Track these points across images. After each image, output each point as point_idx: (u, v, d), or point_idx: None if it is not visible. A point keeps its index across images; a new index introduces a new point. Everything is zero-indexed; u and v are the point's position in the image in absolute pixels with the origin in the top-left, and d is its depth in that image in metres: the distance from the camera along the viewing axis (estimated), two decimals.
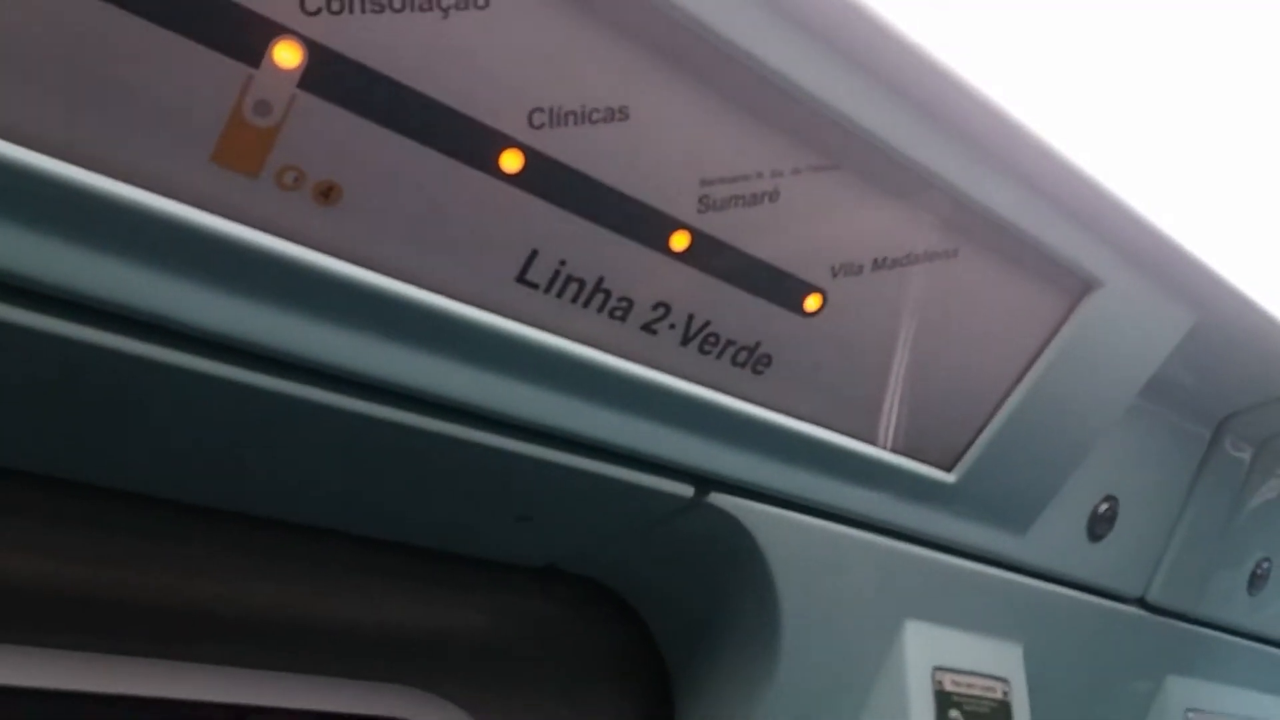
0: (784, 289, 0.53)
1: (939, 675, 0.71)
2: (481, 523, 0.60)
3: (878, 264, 0.55)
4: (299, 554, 0.63)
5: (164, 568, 0.59)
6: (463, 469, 0.53)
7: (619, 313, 0.50)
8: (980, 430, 0.67)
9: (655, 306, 0.51)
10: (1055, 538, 0.77)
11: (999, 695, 0.74)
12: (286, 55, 0.38)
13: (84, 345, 0.40)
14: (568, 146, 0.44)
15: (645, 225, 0.48)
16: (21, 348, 0.40)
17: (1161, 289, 0.65)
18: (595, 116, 0.44)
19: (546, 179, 0.45)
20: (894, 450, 0.64)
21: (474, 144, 0.43)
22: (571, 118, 0.44)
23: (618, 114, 0.45)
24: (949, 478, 0.67)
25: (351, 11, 0.38)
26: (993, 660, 0.75)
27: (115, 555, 0.58)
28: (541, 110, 0.43)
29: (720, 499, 0.58)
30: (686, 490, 0.57)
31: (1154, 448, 0.83)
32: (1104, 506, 0.80)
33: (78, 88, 0.36)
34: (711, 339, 0.53)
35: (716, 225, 0.50)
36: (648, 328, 0.51)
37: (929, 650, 0.71)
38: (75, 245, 0.37)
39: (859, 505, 0.64)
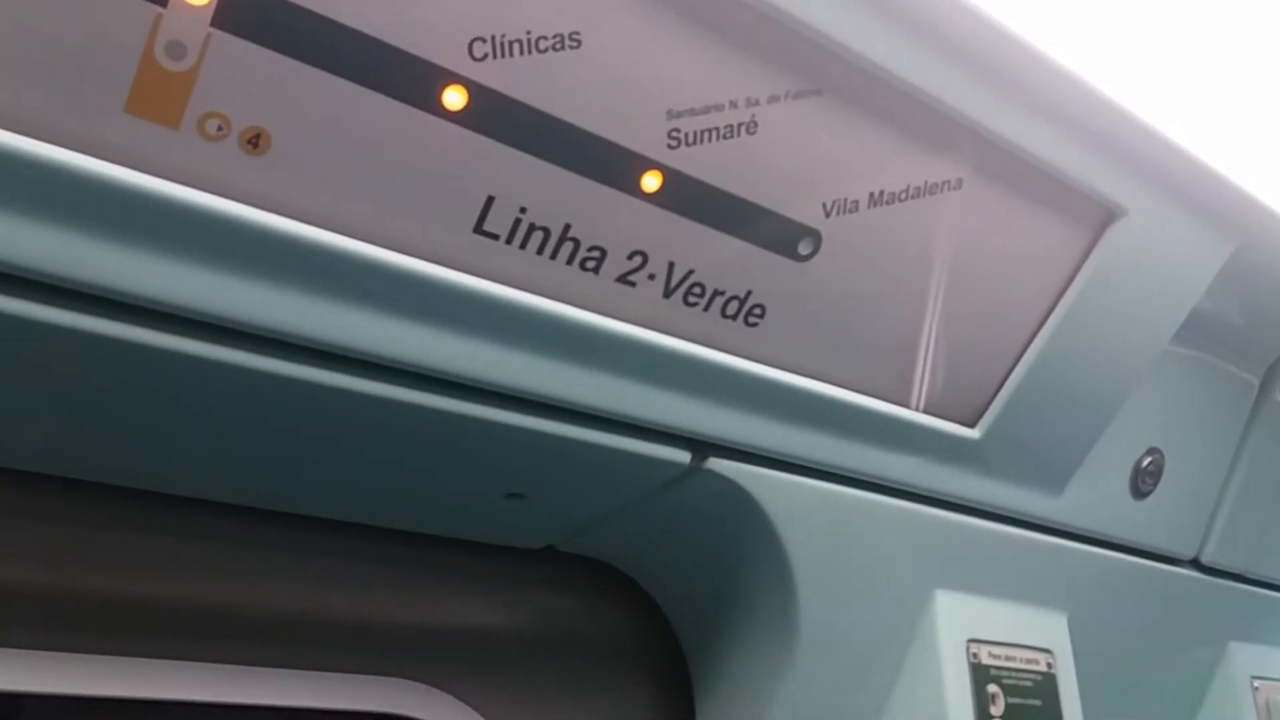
0: (773, 231, 0.49)
1: (974, 648, 0.66)
2: (471, 503, 0.57)
3: (874, 200, 0.51)
4: (290, 545, 0.60)
5: (153, 564, 0.57)
6: (441, 443, 0.49)
7: (591, 263, 0.47)
8: (1003, 381, 0.62)
9: (631, 255, 0.47)
10: (1095, 496, 0.72)
11: (1042, 667, 0.69)
12: None
13: (45, 325, 0.37)
14: (515, 79, 0.41)
15: (610, 165, 0.44)
16: None
17: (1192, 214, 0.60)
18: (543, 45, 0.41)
19: (494, 116, 0.41)
20: (908, 406, 0.59)
21: (412, 80, 0.39)
22: (517, 46, 0.40)
23: (569, 40, 0.41)
24: (972, 434, 0.62)
25: None
26: (1034, 630, 0.70)
27: (106, 553, 0.56)
28: (483, 40, 0.40)
29: (720, 464, 0.54)
30: (683, 456, 0.53)
31: (1199, 396, 0.78)
32: (1147, 460, 0.75)
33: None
34: (696, 289, 0.49)
35: (690, 162, 0.46)
36: (624, 279, 0.48)
37: (963, 622, 0.66)
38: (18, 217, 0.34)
39: (873, 467, 0.60)
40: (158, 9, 0.35)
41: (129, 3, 0.34)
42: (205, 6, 0.35)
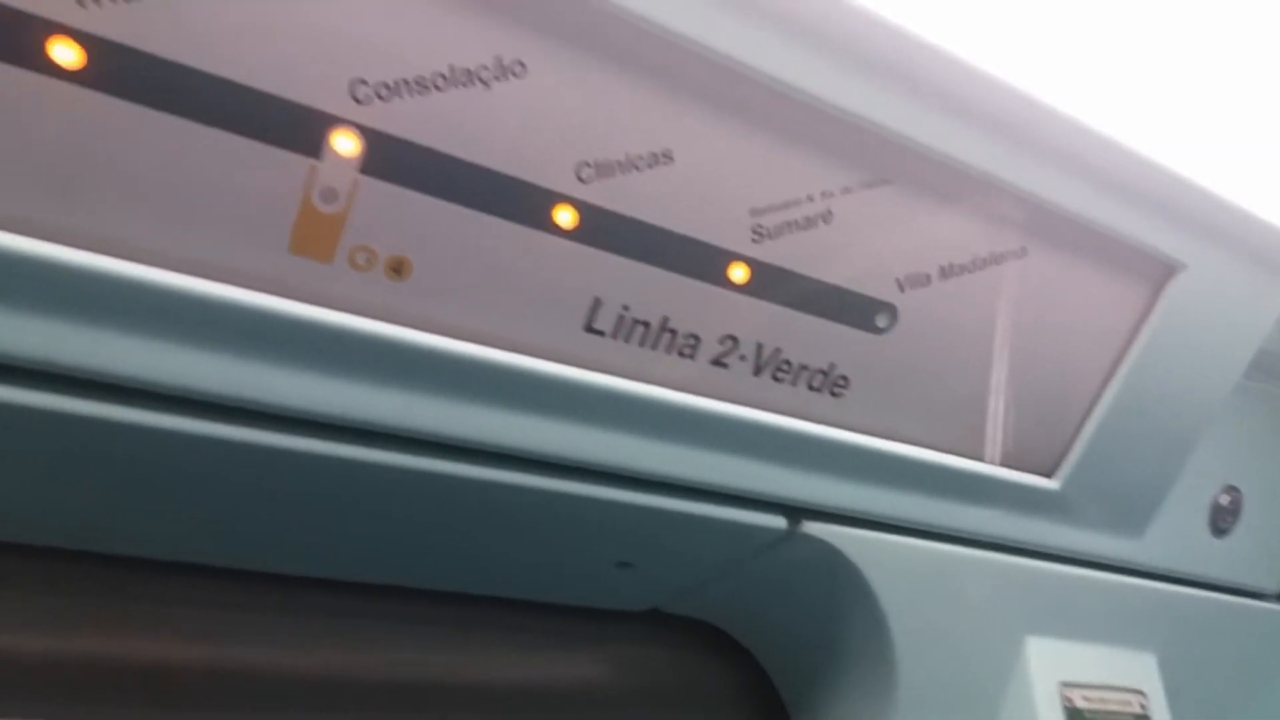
0: (851, 308, 0.53)
1: (1068, 692, 0.68)
2: (583, 572, 0.61)
3: (945, 272, 0.55)
4: (400, 615, 0.64)
5: (310, 640, 0.62)
6: (559, 520, 0.54)
7: (688, 350, 0.51)
8: (1078, 431, 0.65)
9: (723, 340, 0.51)
10: (1176, 536, 0.74)
11: (1136, 709, 0.70)
12: (344, 143, 0.40)
13: (200, 438, 0.43)
14: (616, 195, 0.46)
15: (701, 261, 0.49)
16: (149, 443, 0.43)
17: (1251, 263, 0.62)
18: (640, 163, 0.46)
19: (599, 228, 0.46)
20: (988, 461, 0.62)
21: (527, 205, 0.45)
22: (617, 167, 0.45)
23: (661, 158, 0.46)
24: (1052, 484, 0.65)
25: (400, 96, 0.40)
26: (1125, 672, 0.72)
27: (269, 635, 0.61)
28: (588, 164, 0.45)
29: (813, 527, 0.58)
30: (779, 522, 0.57)
31: (1273, 430, 0.79)
32: (1225, 498, 0.76)
33: (168, 198, 0.39)
34: (784, 366, 0.53)
35: (773, 253, 0.50)
36: (718, 361, 0.52)
37: (1054, 666, 0.68)
38: (186, 348, 0.40)
39: (959, 521, 0.62)
40: (313, 161, 0.40)
41: (290, 158, 0.40)
42: (353, 157, 0.41)
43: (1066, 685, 0.68)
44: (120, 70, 0.36)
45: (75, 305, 0.38)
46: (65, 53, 0.36)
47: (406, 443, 0.47)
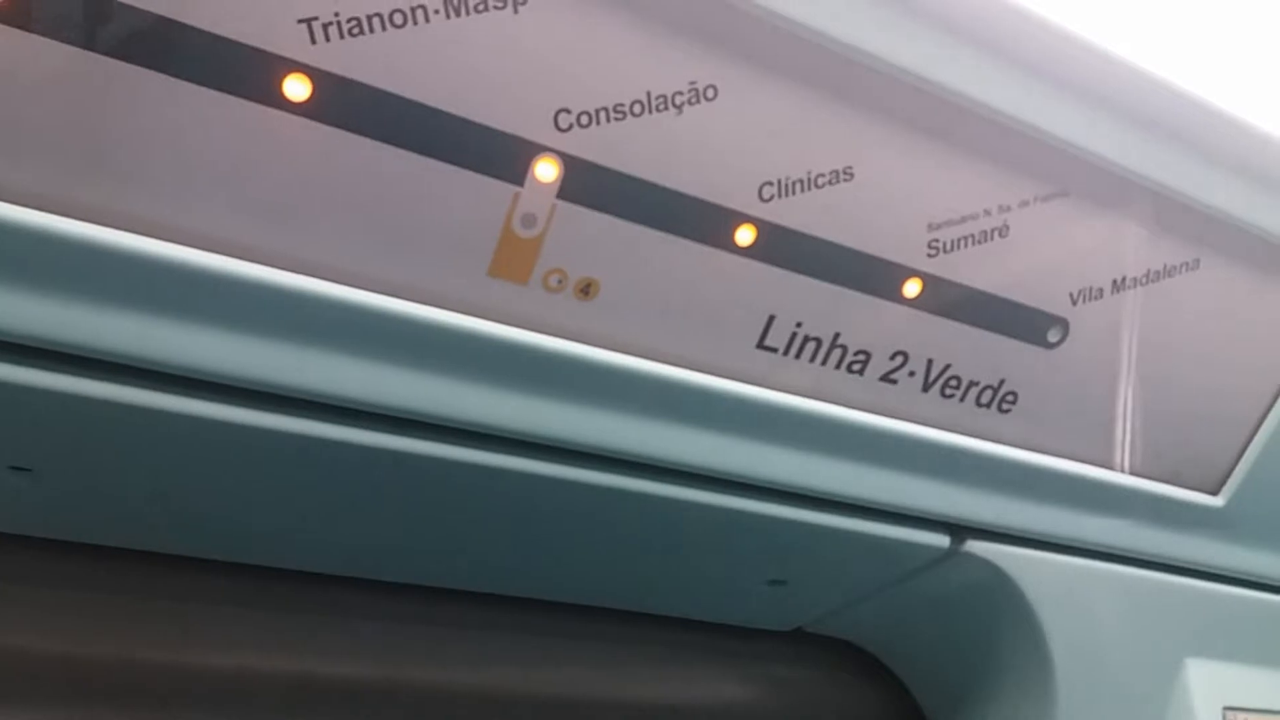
0: (1024, 322, 0.53)
1: (1232, 716, 0.66)
2: (735, 589, 0.61)
3: (1117, 285, 0.54)
4: (541, 629, 0.66)
5: (467, 658, 0.63)
6: (719, 536, 0.54)
7: (857, 366, 0.51)
8: (1244, 448, 0.63)
9: (893, 356, 0.51)
10: None
11: None
12: (546, 170, 0.42)
13: (400, 454, 0.45)
14: (797, 213, 0.46)
15: (876, 277, 0.49)
16: (340, 456, 0.45)
17: None
18: (821, 181, 0.46)
19: (779, 247, 0.47)
20: (1152, 478, 0.61)
21: (711, 225, 0.45)
22: (799, 185, 0.46)
23: (843, 175, 0.46)
24: (1216, 501, 0.63)
25: (599, 123, 0.41)
26: None
27: (425, 649, 0.63)
28: (770, 184, 0.45)
29: (978, 546, 0.57)
30: (943, 540, 0.56)
31: None
32: None
33: (380, 224, 0.40)
34: (953, 382, 0.53)
35: (948, 267, 0.50)
36: (887, 378, 0.52)
37: (1217, 689, 0.66)
38: (393, 367, 0.42)
39: (1122, 540, 0.61)
40: (516, 189, 0.42)
41: (495, 185, 0.41)
42: (552, 183, 0.42)
43: (1231, 710, 0.65)
44: (344, 102, 0.38)
45: (290, 327, 0.40)
46: (297, 88, 0.38)
47: (578, 457, 0.48)
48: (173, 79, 0.36)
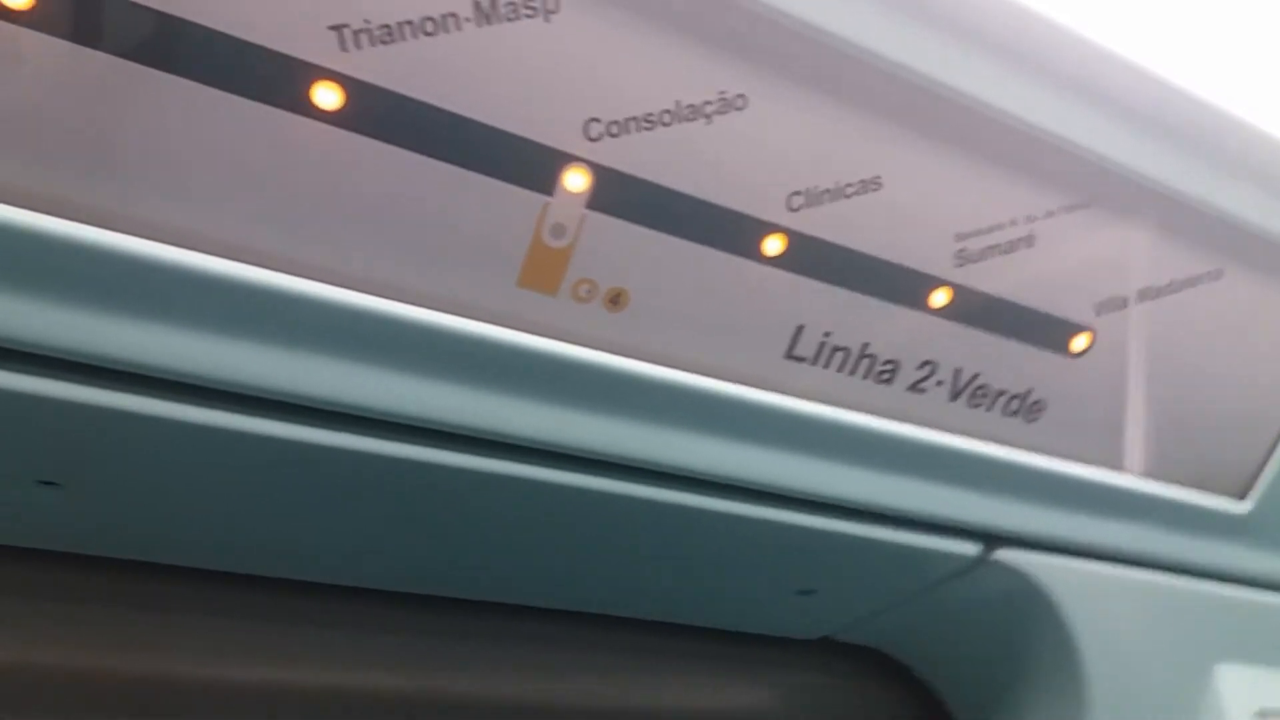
0: (1050, 331, 0.52)
1: None
2: (764, 598, 0.61)
3: (1142, 295, 0.54)
4: (564, 640, 0.65)
5: (501, 669, 0.63)
6: (748, 546, 0.54)
7: (885, 375, 0.51)
8: (1270, 453, 0.62)
9: (921, 365, 0.51)
10: None
11: None
12: (575, 180, 0.42)
13: (433, 466, 0.44)
14: (825, 222, 0.46)
15: (904, 286, 0.49)
16: (376, 470, 0.45)
17: None
18: (849, 190, 0.46)
19: (806, 255, 0.47)
20: (1178, 483, 0.60)
21: (739, 234, 0.45)
22: (827, 195, 0.46)
23: (871, 184, 0.46)
24: (1243, 506, 0.63)
25: (629, 132, 0.41)
26: None
27: (458, 661, 0.62)
28: (799, 193, 0.45)
29: (1007, 554, 0.57)
30: (972, 548, 0.56)
31: None
32: None
33: (410, 234, 0.40)
34: (981, 391, 0.53)
35: (975, 277, 0.50)
36: (915, 387, 0.51)
37: (1249, 694, 0.65)
38: (427, 379, 0.42)
39: (1150, 546, 0.61)
40: (545, 198, 0.42)
41: (526, 196, 0.41)
42: (582, 193, 0.42)
43: (1263, 714, 0.65)
44: (373, 110, 0.38)
45: (321, 338, 0.40)
46: (326, 95, 0.38)
47: (607, 467, 0.47)
48: (199, 84, 0.36)
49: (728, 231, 0.45)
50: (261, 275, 0.38)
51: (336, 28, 0.37)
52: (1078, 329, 0.53)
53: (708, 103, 0.42)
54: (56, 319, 0.36)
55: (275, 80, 0.37)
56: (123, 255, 0.36)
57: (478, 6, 0.38)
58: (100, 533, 0.51)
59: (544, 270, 0.43)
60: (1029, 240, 0.50)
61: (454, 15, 0.38)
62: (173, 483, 0.46)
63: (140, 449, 0.43)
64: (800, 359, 0.49)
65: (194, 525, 0.50)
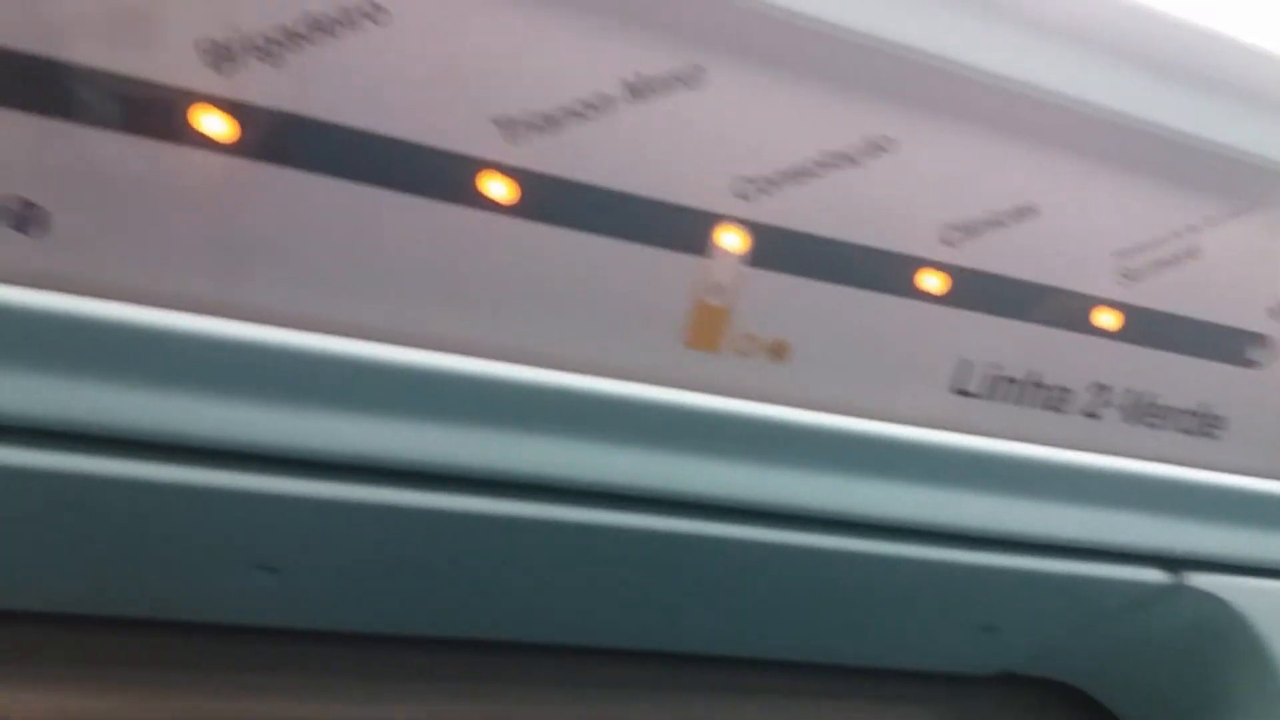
0: (1223, 343, 0.50)
1: None
2: (943, 637, 0.59)
3: None
4: (752, 687, 0.64)
5: (610, 703, 0.63)
6: (929, 588, 0.52)
7: (1057, 403, 0.49)
8: None
9: (1092, 389, 0.50)
10: None
11: None
12: (730, 239, 0.42)
13: (596, 528, 0.45)
14: (980, 254, 0.46)
15: (1068, 310, 0.48)
16: (572, 540, 0.45)
17: None
18: (1005, 220, 0.45)
19: (966, 289, 0.46)
20: None
21: (896, 273, 0.45)
22: (981, 227, 0.45)
23: (1026, 213, 0.45)
24: None
25: (778, 186, 0.42)
26: None
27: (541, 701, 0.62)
28: (954, 227, 0.45)
29: (1198, 578, 0.54)
30: (1161, 575, 0.53)
31: None
32: None
33: (579, 308, 0.42)
34: (1156, 411, 0.51)
35: (1141, 294, 0.48)
36: (1089, 413, 0.50)
37: None
38: (600, 444, 0.42)
39: None
40: (704, 259, 0.42)
41: (687, 260, 0.42)
42: (738, 250, 0.43)
43: None
44: (538, 196, 0.40)
45: (505, 414, 0.42)
46: (493, 185, 0.39)
47: (790, 520, 0.47)
48: (374, 188, 0.38)
49: (884, 272, 0.45)
50: (455, 362, 0.40)
51: (499, 120, 0.39)
52: (1253, 338, 0.51)
53: (853, 147, 0.42)
54: (279, 420, 0.38)
55: (443, 176, 0.39)
56: (335, 358, 0.38)
57: (628, 85, 0.39)
58: (308, 610, 0.53)
59: (707, 329, 0.43)
60: (1192, 251, 0.48)
61: (608, 97, 0.39)
62: (372, 558, 0.48)
63: (344, 531, 0.44)
64: (967, 393, 0.48)
65: (387, 594, 0.52)
